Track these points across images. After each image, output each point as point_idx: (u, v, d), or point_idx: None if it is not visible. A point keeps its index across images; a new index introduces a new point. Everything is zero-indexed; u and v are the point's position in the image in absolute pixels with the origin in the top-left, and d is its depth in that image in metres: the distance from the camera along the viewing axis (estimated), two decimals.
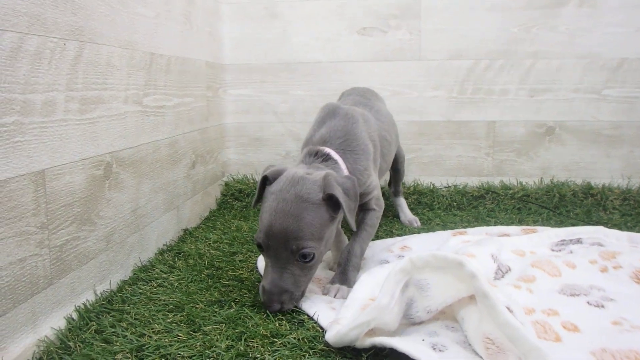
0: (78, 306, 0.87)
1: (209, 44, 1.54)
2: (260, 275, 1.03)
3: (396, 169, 1.48)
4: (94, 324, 0.83)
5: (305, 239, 0.88)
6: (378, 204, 1.12)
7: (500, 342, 0.67)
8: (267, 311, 0.88)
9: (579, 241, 1.08)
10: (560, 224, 1.20)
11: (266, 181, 0.94)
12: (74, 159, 0.85)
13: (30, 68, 0.74)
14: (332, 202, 0.91)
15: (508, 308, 0.70)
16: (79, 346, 0.76)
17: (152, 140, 1.14)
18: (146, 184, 1.11)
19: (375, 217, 1.10)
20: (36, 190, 0.76)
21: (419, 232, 1.35)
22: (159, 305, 0.91)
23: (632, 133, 1.64)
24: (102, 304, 0.90)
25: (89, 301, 0.90)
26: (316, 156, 1.02)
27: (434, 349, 0.71)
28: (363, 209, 1.09)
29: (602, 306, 0.83)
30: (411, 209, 1.55)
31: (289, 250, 0.87)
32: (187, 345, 0.77)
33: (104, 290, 0.95)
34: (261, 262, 1.07)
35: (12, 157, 0.71)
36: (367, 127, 1.11)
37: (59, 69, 0.81)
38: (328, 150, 1.03)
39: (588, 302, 0.84)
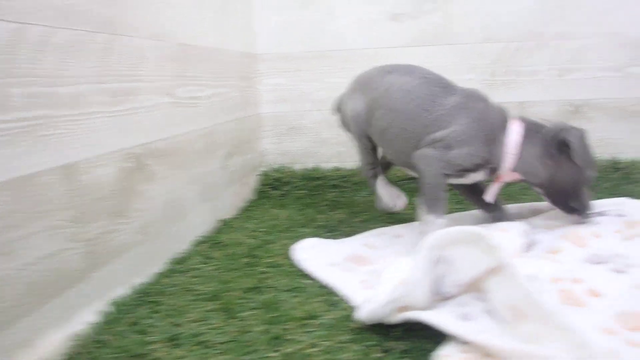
0: (113, 299, 0.87)
1: (243, 34, 1.54)
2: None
3: None
4: (130, 316, 0.83)
5: None
6: None
7: (521, 308, 0.70)
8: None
9: (604, 213, 1.09)
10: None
11: None
12: (105, 151, 0.85)
13: (57, 60, 0.74)
14: None
15: (534, 276, 0.80)
16: (114, 339, 0.77)
17: (186, 132, 1.14)
18: (181, 175, 1.11)
19: None
20: (66, 183, 0.76)
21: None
22: (195, 295, 0.91)
23: None
24: (139, 297, 0.91)
25: (124, 294, 0.90)
26: None
27: (463, 318, 0.73)
28: None
29: (624, 272, 0.86)
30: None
31: None
32: (223, 332, 0.78)
33: (140, 283, 0.95)
34: (299, 252, 1.09)
35: (41, 151, 0.71)
36: None
37: (87, 61, 0.81)
38: None
39: (611, 269, 0.88)
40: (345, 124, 1.32)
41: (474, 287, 0.79)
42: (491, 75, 1.67)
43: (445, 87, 1.13)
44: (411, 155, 1.10)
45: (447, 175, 1.07)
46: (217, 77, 1.32)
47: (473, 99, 1.10)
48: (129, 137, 0.92)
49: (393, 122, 1.14)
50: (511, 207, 1.23)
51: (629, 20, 1.63)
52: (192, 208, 1.18)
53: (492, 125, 1.06)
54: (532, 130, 1.07)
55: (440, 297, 0.79)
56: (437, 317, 0.72)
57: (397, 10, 1.67)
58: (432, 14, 1.66)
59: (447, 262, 0.78)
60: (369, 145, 1.26)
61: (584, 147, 1.03)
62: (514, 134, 1.06)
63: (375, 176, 1.29)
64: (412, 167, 1.12)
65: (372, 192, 1.32)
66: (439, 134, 1.07)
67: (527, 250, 1.00)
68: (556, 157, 1.05)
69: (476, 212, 1.26)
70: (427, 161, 1.07)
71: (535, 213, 1.22)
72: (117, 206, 0.89)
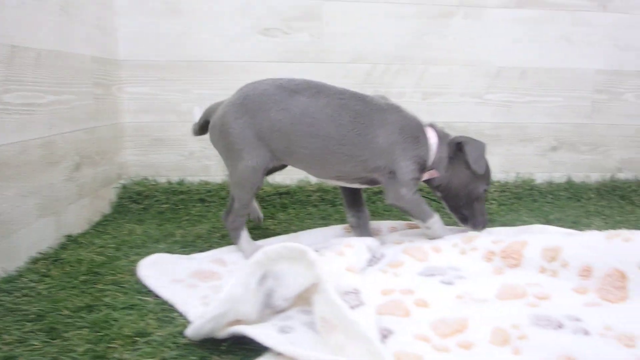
0: None
1: (98, 38, 1.46)
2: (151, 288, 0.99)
3: None
4: None
5: None
6: None
7: (331, 320, 0.72)
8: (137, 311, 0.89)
9: (449, 230, 1.19)
10: (445, 214, 1.28)
11: None
12: None
13: None
14: None
15: (355, 290, 0.81)
16: None
17: (18, 141, 1.05)
18: (11, 188, 1.03)
19: None
20: None
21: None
22: (19, 315, 0.85)
23: (509, 133, 1.85)
24: None
25: None
26: None
27: (281, 331, 0.74)
28: None
29: (452, 283, 0.93)
30: (312, 205, 1.53)
31: None
32: (41, 353, 0.74)
33: None
34: (144, 268, 1.04)
35: None
36: None
37: None
38: None
39: (441, 281, 0.94)
40: (225, 143, 1.14)
41: (304, 300, 0.81)
42: None
43: (362, 102, 1.14)
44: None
45: (417, 183, 1.14)
46: (61, 82, 1.23)
47: (391, 111, 1.15)
48: None
49: (325, 149, 1.10)
50: (372, 223, 1.30)
51: (489, 51, 1.77)
52: (27, 223, 1.09)
53: (415, 129, 1.14)
54: (441, 135, 1.18)
55: (272, 311, 0.80)
56: (257, 330, 0.72)
57: (267, 25, 1.66)
58: (303, 31, 1.68)
59: (276, 277, 0.79)
60: (259, 181, 1.14)
61: (480, 156, 1.13)
62: (432, 135, 1.17)
63: (241, 228, 1.17)
64: (343, 179, 1.16)
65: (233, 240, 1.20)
66: (381, 164, 1.12)
67: (371, 265, 1.04)
68: (453, 161, 1.16)
69: (334, 228, 1.32)
70: (399, 196, 1.12)
71: (391, 230, 1.32)
72: None
